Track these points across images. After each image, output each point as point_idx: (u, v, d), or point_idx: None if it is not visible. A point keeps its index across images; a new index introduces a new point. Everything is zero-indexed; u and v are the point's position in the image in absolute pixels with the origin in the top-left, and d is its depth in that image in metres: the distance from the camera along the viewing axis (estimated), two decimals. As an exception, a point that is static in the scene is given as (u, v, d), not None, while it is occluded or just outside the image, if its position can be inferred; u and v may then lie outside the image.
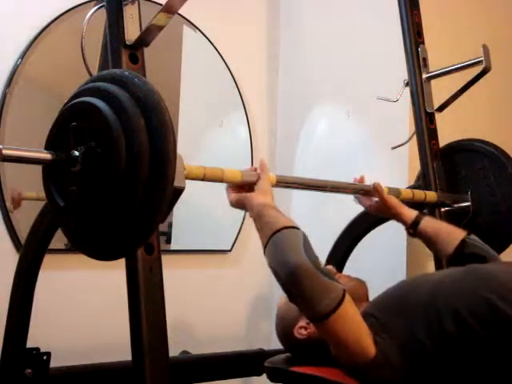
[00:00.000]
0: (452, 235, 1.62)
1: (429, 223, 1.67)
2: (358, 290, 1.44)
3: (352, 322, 1.22)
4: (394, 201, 1.70)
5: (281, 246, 1.24)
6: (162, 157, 1.00)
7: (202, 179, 1.32)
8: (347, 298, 1.21)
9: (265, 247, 1.27)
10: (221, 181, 1.37)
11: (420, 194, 1.83)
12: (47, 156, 1.07)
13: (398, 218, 1.70)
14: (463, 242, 1.59)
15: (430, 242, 1.68)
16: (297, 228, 1.28)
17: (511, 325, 1.18)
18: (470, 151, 1.95)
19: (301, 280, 1.19)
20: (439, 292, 1.29)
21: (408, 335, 1.24)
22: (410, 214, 1.69)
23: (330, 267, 1.53)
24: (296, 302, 1.24)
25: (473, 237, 1.61)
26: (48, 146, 1.10)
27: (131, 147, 0.99)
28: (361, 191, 1.70)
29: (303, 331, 1.39)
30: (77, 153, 1.05)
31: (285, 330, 1.45)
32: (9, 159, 1.03)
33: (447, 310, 1.23)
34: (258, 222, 1.33)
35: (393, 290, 1.40)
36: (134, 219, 1.02)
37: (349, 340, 1.21)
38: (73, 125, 1.06)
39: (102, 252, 1.10)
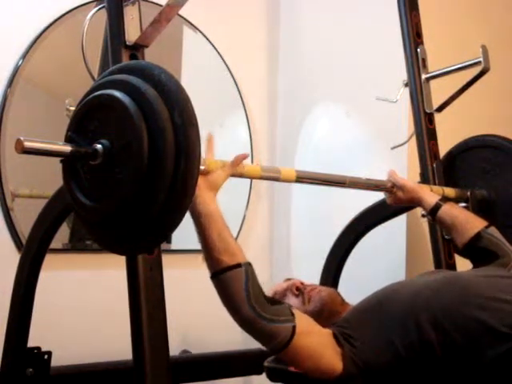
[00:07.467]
0: (468, 225, 1.57)
1: (447, 211, 1.60)
2: (333, 302, 1.47)
3: (308, 351, 1.24)
4: (411, 184, 1.66)
5: (225, 292, 1.23)
6: (187, 152, 0.98)
7: None
8: (298, 330, 1.22)
9: (211, 278, 1.25)
10: (241, 176, 1.36)
11: (438, 190, 1.75)
12: (67, 148, 1.04)
13: (419, 202, 1.66)
14: (478, 234, 1.54)
15: (447, 230, 1.65)
16: (239, 266, 1.22)
17: (490, 332, 1.19)
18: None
19: (247, 330, 1.24)
20: (418, 302, 1.28)
21: (383, 342, 1.25)
22: (430, 199, 1.63)
23: (296, 281, 1.53)
24: None
25: (491, 230, 1.55)
26: (67, 139, 1.08)
27: (155, 141, 0.98)
28: (380, 186, 1.66)
29: None
30: (99, 146, 1.02)
31: None
32: (29, 151, 1.00)
33: (426, 319, 1.23)
34: (203, 233, 1.29)
35: (371, 296, 1.39)
36: (158, 215, 1.00)
37: (309, 365, 1.25)
38: (94, 117, 1.04)
39: (124, 249, 1.10)
